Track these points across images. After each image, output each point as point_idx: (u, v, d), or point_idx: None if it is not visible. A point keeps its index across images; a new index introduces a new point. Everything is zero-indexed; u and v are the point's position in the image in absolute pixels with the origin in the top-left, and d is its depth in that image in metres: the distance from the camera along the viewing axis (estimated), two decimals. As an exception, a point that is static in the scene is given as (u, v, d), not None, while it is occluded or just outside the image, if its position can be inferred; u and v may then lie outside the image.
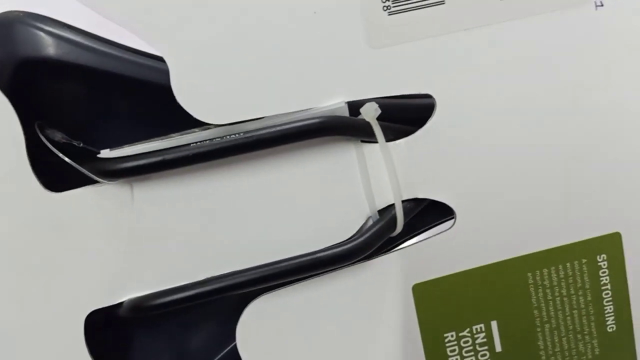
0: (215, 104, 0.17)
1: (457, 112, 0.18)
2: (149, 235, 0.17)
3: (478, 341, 0.19)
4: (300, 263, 0.17)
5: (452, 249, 0.19)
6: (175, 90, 0.16)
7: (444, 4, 0.17)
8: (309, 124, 0.17)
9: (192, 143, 0.16)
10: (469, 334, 0.19)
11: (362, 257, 0.18)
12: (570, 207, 0.19)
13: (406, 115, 0.18)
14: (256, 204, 0.18)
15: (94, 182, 0.17)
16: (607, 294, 0.20)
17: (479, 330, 0.19)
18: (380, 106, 0.18)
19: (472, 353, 0.19)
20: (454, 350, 0.19)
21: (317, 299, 0.18)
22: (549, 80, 0.18)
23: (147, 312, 0.17)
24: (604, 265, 0.19)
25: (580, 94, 0.18)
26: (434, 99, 0.18)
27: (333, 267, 0.18)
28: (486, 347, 0.19)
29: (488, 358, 0.19)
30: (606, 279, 0.19)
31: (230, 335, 0.18)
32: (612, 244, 0.19)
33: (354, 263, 0.18)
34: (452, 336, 0.19)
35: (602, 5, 0.18)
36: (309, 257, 0.17)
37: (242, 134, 0.16)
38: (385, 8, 0.17)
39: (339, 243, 0.18)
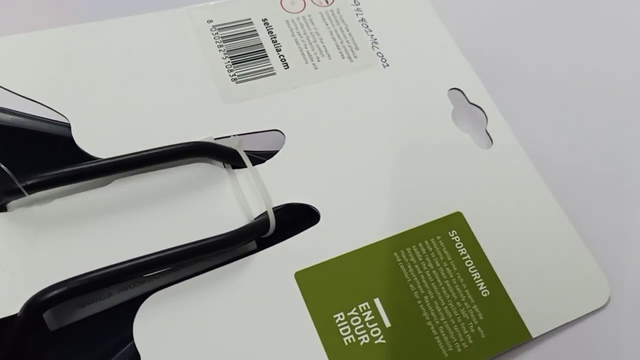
0: (109, 146, 0.22)
1: (301, 139, 0.23)
2: (46, 243, 0.20)
3: (367, 319, 0.21)
4: (184, 249, 0.20)
5: (324, 240, 0.22)
6: (76, 137, 0.22)
7: (275, 74, 0.25)
8: (183, 145, 0.22)
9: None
10: (356, 313, 0.21)
11: (239, 244, 0.21)
12: (417, 196, 0.23)
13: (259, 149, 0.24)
14: (150, 213, 0.21)
15: None
16: (469, 262, 0.22)
17: (365, 308, 0.21)
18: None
19: (364, 331, 0.20)
20: (346, 330, 0.20)
21: (207, 293, 0.20)
22: (360, 114, 0.24)
23: (42, 308, 0.18)
24: (457, 239, 0.23)
25: (382, 123, 0.25)
26: (283, 133, 0.24)
27: (214, 252, 0.20)
28: (376, 324, 0.21)
29: (380, 334, 0.20)
30: (463, 250, 0.22)
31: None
32: (457, 221, 0.23)
33: (237, 259, 0.21)
34: (341, 316, 0.20)
35: (388, 65, 0.26)
36: (194, 244, 0.20)
37: (128, 155, 0.21)
38: (233, 79, 0.24)
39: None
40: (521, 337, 0.21)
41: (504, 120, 0.25)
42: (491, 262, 0.22)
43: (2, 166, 0.19)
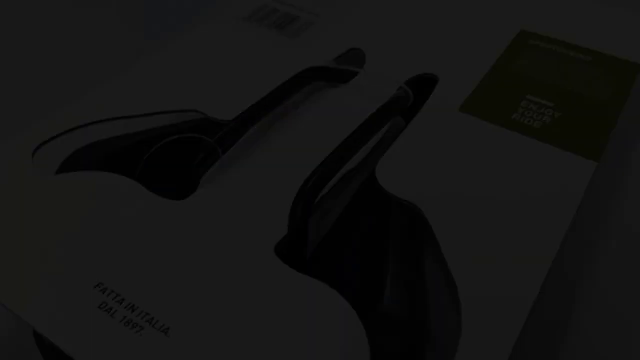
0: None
1: (376, 45, 0.26)
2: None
3: (534, 108, 0.23)
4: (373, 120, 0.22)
5: (454, 86, 0.24)
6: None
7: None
8: (303, 72, 0.24)
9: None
10: (524, 108, 0.23)
11: (403, 108, 0.23)
12: (490, 39, 0.27)
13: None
14: (323, 132, 0.22)
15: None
16: (561, 51, 0.26)
17: (526, 104, 0.23)
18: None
19: (542, 114, 0.23)
20: (530, 120, 0.22)
21: (422, 144, 0.21)
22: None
23: (315, 190, 0.19)
24: (538, 43, 0.27)
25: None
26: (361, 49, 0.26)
27: (391, 118, 0.23)
28: (544, 106, 0.23)
29: (553, 109, 0.23)
30: (551, 47, 0.26)
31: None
32: (528, 34, 0.27)
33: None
34: (516, 114, 0.23)
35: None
36: (373, 117, 0.22)
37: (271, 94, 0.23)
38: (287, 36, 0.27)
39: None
40: (634, 69, 0.25)
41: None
42: (571, 42, 0.27)
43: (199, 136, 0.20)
